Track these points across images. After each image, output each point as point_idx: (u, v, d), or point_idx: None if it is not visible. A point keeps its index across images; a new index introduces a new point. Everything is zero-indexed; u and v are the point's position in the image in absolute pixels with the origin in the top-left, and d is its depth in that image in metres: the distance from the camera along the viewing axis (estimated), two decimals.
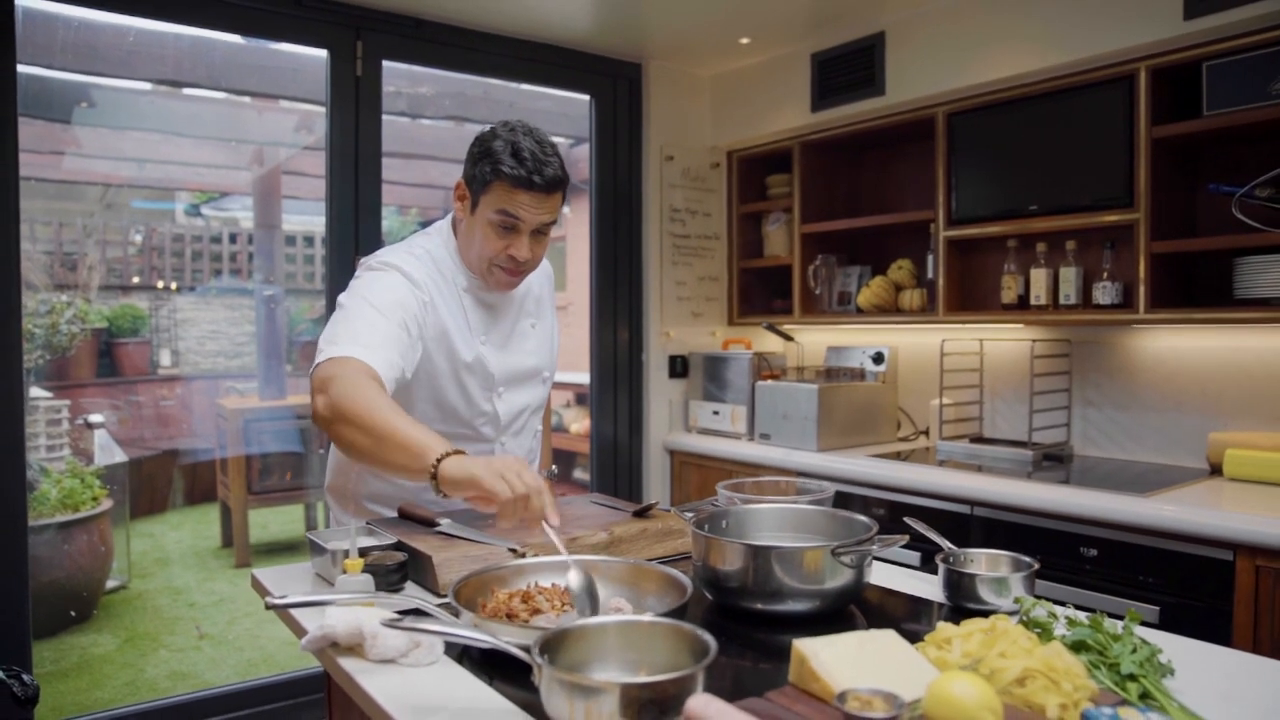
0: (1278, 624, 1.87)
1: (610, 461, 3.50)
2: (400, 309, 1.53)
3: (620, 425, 3.50)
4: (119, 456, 4.31)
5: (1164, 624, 1.99)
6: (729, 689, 0.98)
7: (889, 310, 3.17)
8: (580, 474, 5.08)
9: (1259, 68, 2.18)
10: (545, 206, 1.57)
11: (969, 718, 0.76)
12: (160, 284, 5.50)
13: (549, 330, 1.86)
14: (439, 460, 1.28)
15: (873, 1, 2.85)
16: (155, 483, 5.06)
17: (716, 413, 3.36)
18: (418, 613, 1.13)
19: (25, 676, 1.88)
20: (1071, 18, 2.48)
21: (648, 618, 1.00)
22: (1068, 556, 2.22)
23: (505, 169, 1.52)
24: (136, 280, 5.53)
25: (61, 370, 4.67)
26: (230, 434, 4.69)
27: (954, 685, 0.78)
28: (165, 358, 5.50)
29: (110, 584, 4.01)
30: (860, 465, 2.74)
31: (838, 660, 0.90)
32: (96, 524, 3.79)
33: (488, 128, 1.61)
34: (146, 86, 4.11)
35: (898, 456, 2.83)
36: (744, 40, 3.19)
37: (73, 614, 3.69)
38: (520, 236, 1.58)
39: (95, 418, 4.31)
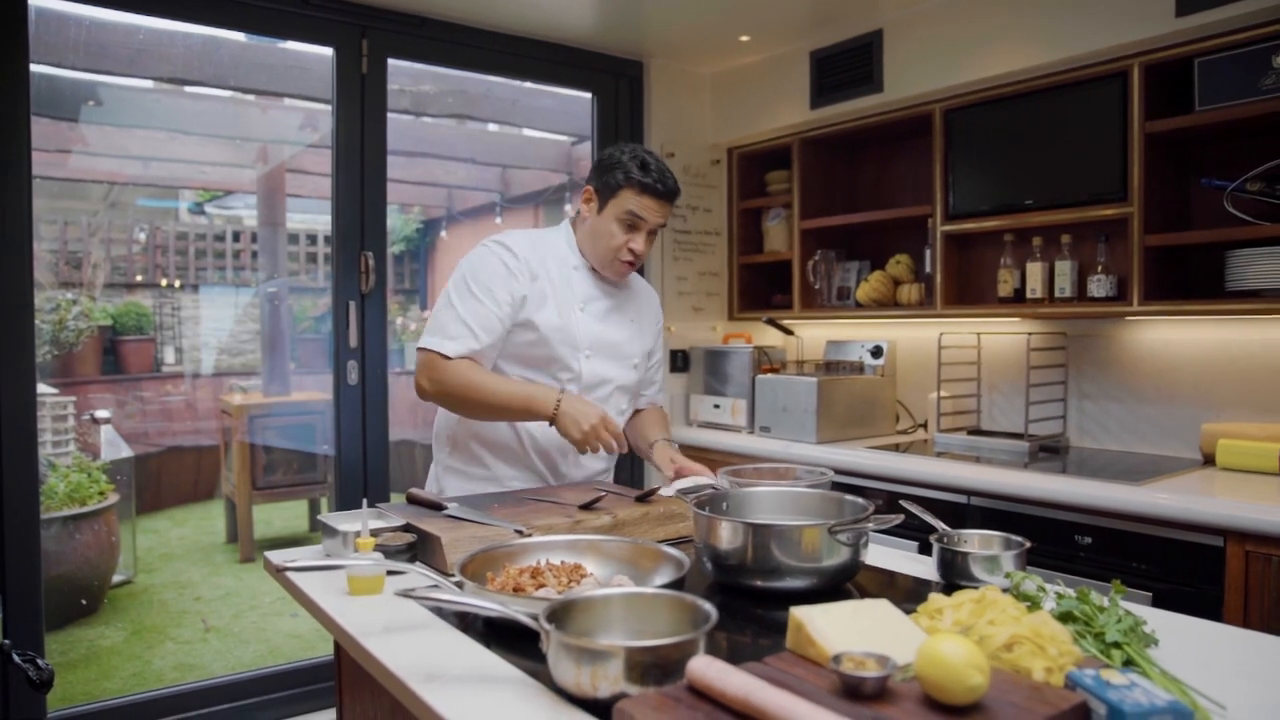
0: (1267, 607, 1.91)
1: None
2: (494, 284, 1.82)
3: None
4: (124, 452, 4.35)
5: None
6: (729, 660, 1.02)
7: (887, 304, 3.21)
8: None
9: (1249, 64, 2.21)
10: (664, 211, 1.89)
11: (957, 676, 0.80)
12: (164, 282, 5.54)
13: (646, 336, 2.08)
14: (556, 405, 1.73)
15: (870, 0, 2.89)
16: (160, 479, 5.11)
17: (717, 406, 3.40)
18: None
19: (40, 661, 1.92)
20: (1066, 15, 2.52)
21: (651, 589, 1.05)
22: (1062, 544, 2.26)
23: (635, 177, 1.84)
24: (140, 278, 5.57)
25: (67, 367, 4.71)
26: (235, 430, 4.73)
27: (943, 645, 0.82)
28: (169, 355, 5.54)
29: (117, 578, 4.05)
30: (859, 457, 2.78)
31: (833, 626, 0.94)
32: (103, 518, 3.83)
33: (613, 147, 1.91)
34: (153, 85, 4.15)
35: (896, 448, 2.87)
36: (744, 38, 3.23)
37: (83, 602, 3.73)
38: (640, 234, 1.88)
39: (102, 413, 4.35)
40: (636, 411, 2.17)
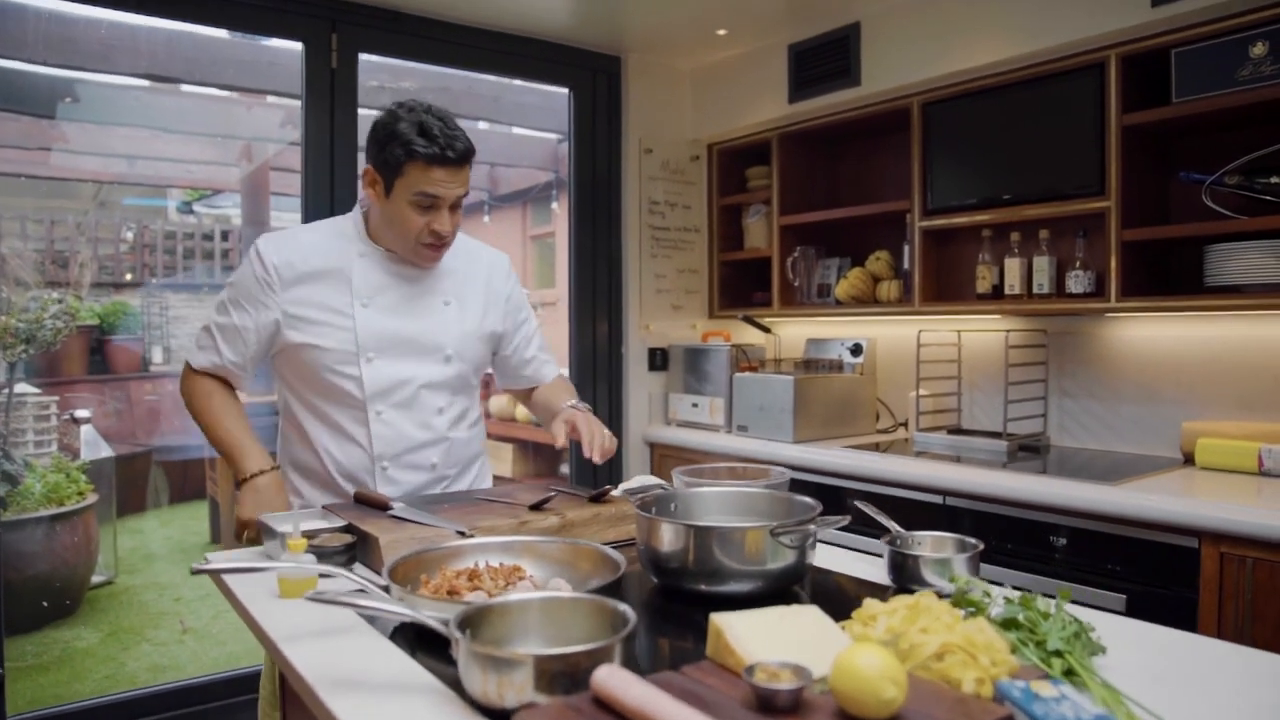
0: (1241, 610, 1.86)
1: None
2: (242, 298, 1.72)
3: (600, 418, 3.49)
4: (105, 452, 4.31)
5: (1130, 612, 1.98)
6: (668, 667, 0.97)
7: (867, 301, 3.16)
8: (562, 469, 5.07)
9: (1226, 54, 2.17)
10: (459, 179, 1.65)
11: (870, 688, 0.76)
12: (152, 281, 5.52)
13: (469, 317, 1.83)
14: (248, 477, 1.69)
15: None
16: (144, 479, 5.07)
17: (695, 405, 3.35)
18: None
19: None
20: (1042, 6, 2.47)
21: (569, 594, 1.00)
22: (1037, 545, 2.22)
23: (419, 149, 1.58)
24: (129, 277, 5.54)
25: (52, 367, 4.67)
26: None
27: (858, 657, 0.78)
28: (157, 355, 5.51)
29: (97, 579, 4.02)
30: (836, 456, 2.73)
31: (754, 634, 0.90)
32: (81, 518, 3.79)
33: (384, 112, 1.66)
34: (131, 81, 4.11)
35: (876, 448, 2.83)
36: (721, 32, 3.19)
37: (45, 604, 3.68)
38: (440, 212, 1.66)
39: (81, 413, 4.31)
40: (532, 390, 2.02)
